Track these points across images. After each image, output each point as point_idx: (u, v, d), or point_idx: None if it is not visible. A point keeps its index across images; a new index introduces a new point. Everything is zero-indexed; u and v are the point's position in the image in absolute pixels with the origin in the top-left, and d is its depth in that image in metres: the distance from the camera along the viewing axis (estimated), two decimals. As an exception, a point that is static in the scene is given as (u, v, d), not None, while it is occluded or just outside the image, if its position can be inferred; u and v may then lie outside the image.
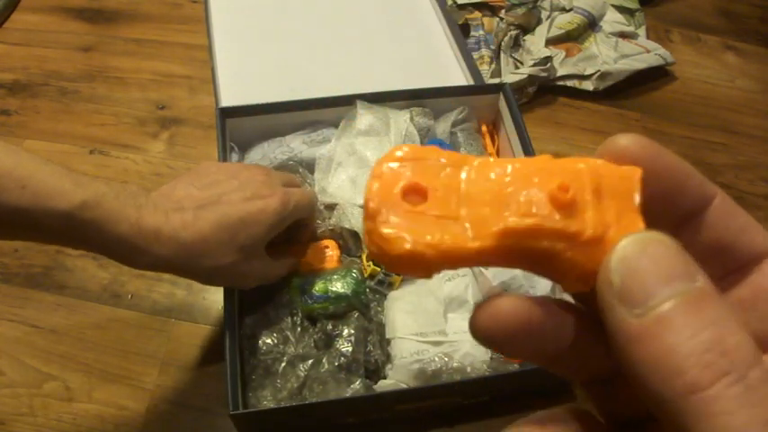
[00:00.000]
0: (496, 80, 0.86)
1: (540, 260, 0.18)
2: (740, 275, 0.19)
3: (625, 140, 0.18)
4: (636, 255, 0.17)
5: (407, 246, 0.17)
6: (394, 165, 0.18)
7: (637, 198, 0.18)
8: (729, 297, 0.19)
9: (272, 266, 0.56)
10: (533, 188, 0.17)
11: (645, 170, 0.18)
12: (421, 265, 0.17)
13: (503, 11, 0.93)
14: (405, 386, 0.57)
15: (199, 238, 0.48)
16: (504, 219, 0.17)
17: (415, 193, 0.18)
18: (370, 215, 0.18)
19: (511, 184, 0.18)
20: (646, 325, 0.16)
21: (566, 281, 0.18)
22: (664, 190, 0.19)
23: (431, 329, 0.59)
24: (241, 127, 0.69)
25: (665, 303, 0.16)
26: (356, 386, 0.56)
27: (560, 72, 0.88)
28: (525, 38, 0.91)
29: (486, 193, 0.18)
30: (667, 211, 0.19)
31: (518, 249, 0.17)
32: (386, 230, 0.17)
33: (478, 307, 0.19)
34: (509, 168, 0.18)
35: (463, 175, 0.18)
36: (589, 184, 0.17)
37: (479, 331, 0.18)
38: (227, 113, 0.68)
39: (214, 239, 0.49)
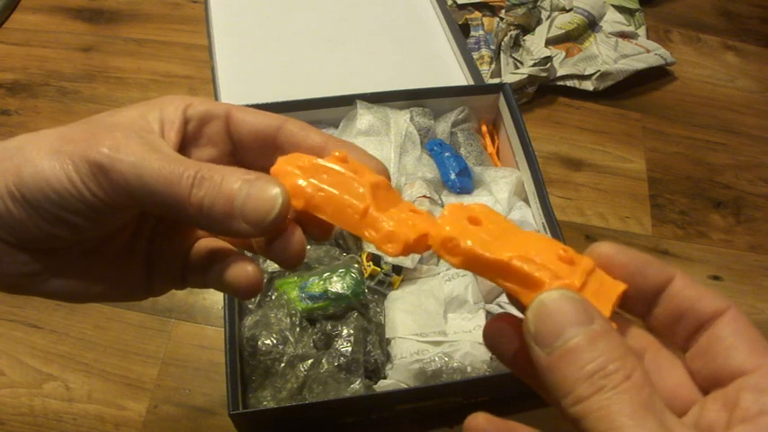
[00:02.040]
0: (496, 80, 0.86)
1: (515, 281, 0.25)
2: (701, 331, 0.25)
3: (603, 248, 0.26)
4: (544, 308, 0.23)
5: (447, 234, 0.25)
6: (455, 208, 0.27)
7: (614, 299, 0.25)
8: (693, 349, 0.25)
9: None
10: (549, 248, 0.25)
11: (616, 264, 0.26)
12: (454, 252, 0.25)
13: (503, 11, 0.93)
14: (405, 386, 0.57)
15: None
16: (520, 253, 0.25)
17: (475, 222, 0.26)
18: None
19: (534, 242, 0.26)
20: (551, 360, 0.22)
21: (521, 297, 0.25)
22: (629, 275, 0.26)
23: (431, 329, 0.59)
24: (241, 127, 0.69)
25: (565, 344, 0.22)
26: (356, 386, 0.56)
27: (560, 72, 0.88)
28: (525, 38, 0.91)
29: (518, 240, 0.26)
30: (637, 290, 0.26)
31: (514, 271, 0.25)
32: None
33: (488, 321, 0.28)
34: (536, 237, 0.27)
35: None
36: (586, 265, 0.25)
37: (487, 333, 0.27)
38: (227, 113, 0.67)
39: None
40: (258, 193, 0.25)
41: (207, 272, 0.30)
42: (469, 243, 0.25)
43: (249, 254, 0.32)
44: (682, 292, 0.26)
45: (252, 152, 0.30)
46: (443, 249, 0.25)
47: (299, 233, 0.27)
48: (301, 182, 0.27)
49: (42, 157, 0.26)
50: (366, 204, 0.26)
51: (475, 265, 0.25)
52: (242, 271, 0.29)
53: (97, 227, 0.27)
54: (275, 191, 0.25)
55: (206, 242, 0.32)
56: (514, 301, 0.26)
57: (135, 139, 0.26)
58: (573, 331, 0.22)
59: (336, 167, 0.27)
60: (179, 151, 0.28)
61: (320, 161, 0.27)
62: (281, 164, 0.28)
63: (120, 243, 0.30)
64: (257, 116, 0.30)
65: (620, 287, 0.25)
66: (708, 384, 0.25)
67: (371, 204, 0.26)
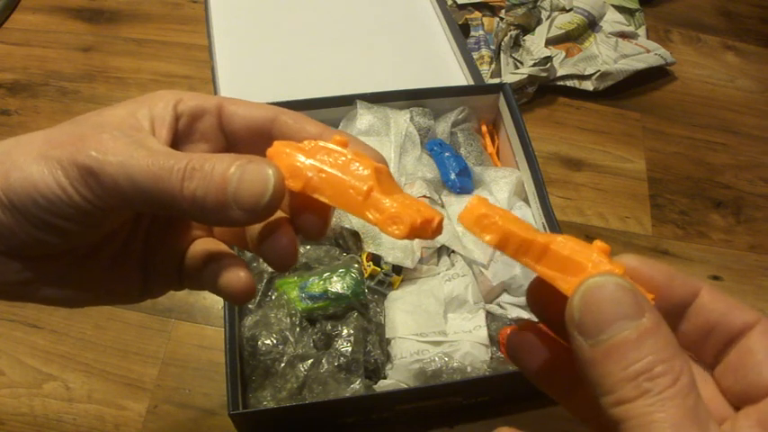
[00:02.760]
0: (496, 80, 0.86)
1: (552, 264, 0.24)
2: (732, 345, 0.24)
3: (626, 260, 0.24)
4: (592, 295, 0.21)
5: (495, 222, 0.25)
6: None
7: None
8: (723, 364, 0.24)
9: None
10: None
11: (641, 277, 0.24)
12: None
13: (503, 11, 0.93)
14: (405, 386, 0.57)
15: None
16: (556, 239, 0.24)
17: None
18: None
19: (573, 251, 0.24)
20: (595, 353, 0.21)
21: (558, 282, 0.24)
22: (655, 288, 0.24)
23: (431, 329, 0.59)
24: (241, 127, 0.69)
25: (612, 338, 0.21)
26: (356, 386, 0.56)
27: (560, 72, 0.88)
28: (525, 38, 0.91)
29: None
30: (663, 304, 0.24)
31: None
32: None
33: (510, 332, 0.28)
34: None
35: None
36: (618, 266, 0.24)
37: (510, 344, 0.27)
38: (227, 113, 0.67)
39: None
40: (250, 176, 0.24)
41: (202, 274, 0.30)
42: (505, 222, 0.24)
43: (248, 254, 0.32)
44: (710, 306, 0.24)
45: (246, 146, 0.29)
46: (478, 226, 0.24)
47: (291, 233, 0.27)
48: (300, 163, 0.25)
49: (30, 162, 0.25)
50: (369, 185, 0.24)
51: (509, 244, 0.24)
52: (234, 276, 0.28)
53: (88, 231, 0.27)
54: (268, 171, 0.24)
55: (202, 243, 0.31)
56: (545, 288, 0.24)
57: (122, 139, 0.25)
58: (622, 325, 0.21)
59: (338, 149, 0.25)
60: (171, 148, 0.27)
61: (321, 143, 0.26)
62: (278, 146, 0.26)
63: (114, 247, 0.30)
64: (250, 109, 0.29)
65: (648, 296, 0.24)
66: (739, 401, 0.24)
67: (375, 186, 0.25)
